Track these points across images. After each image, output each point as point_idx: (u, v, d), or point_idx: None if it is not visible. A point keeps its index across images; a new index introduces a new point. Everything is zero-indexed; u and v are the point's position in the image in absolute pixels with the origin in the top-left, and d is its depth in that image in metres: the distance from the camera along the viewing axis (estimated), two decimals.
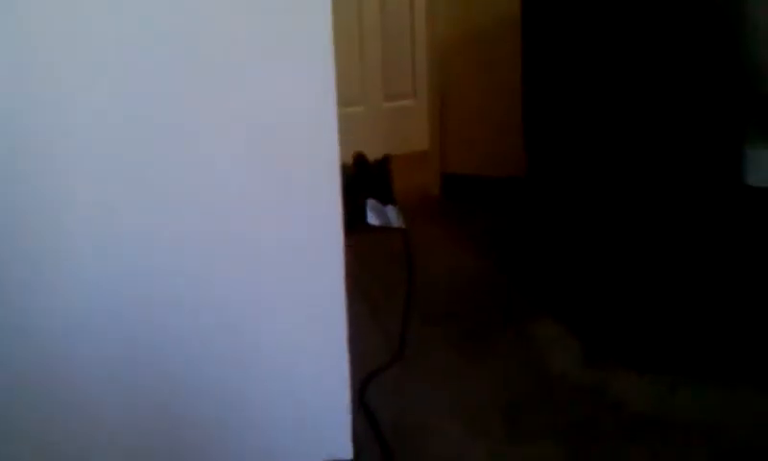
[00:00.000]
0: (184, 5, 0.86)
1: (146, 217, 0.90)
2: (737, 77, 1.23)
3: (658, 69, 1.28)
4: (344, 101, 3.66)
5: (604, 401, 1.28)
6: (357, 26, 3.25)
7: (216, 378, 0.98)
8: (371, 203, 1.25)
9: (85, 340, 0.92)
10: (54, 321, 0.90)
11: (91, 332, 0.92)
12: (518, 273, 1.94)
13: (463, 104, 2.74)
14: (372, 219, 1.24)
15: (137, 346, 0.95)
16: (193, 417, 0.97)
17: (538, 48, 1.96)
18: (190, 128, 0.89)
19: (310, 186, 0.95)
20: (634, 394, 1.29)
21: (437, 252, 2.15)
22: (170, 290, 0.93)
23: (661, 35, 1.27)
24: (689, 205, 1.31)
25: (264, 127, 0.92)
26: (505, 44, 2.41)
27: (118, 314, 0.93)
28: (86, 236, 0.89)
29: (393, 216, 1.26)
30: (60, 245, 0.89)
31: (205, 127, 0.90)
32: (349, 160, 2.95)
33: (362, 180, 2.18)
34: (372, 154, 3.34)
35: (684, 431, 1.18)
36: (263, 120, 0.92)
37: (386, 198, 2.20)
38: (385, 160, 2.51)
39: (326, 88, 0.93)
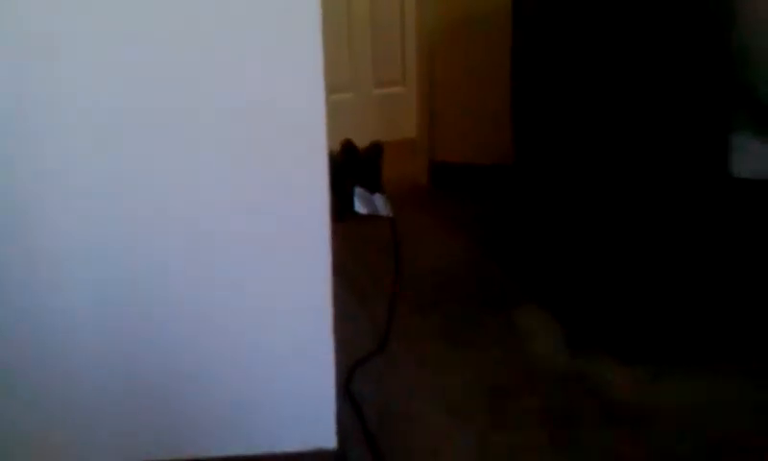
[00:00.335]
0: None
1: (128, 208, 0.90)
2: (723, 66, 1.23)
3: (643, 59, 1.28)
4: (333, 87, 3.67)
5: (587, 389, 1.29)
6: (346, 12, 3.23)
7: (199, 367, 0.98)
8: (358, 191, 1.25)
9: (77, 342, 0.93)
10: (47, 319, 0.91)
11: (82, 332, 0.93)
12: (505, 261, 1.95)
13: (452, 92, 2.74)
14: (360, 207, 1.24)
15: (123, 333, 0.95)
16: (176, 405, 0.98)
17: (526, 37, 1.96)
18: (174, 118, 0.89)
19: (297, 175, 0.95)
20: (617, 382, 1.30)
21: (425, 240, 2.15)
22: (154, 281, 0.93)
23: (648, 23, 1.27)
24: (674, 194, 1.32)
25: (250, 114, 0.92)
26: (495, 33, 2.41)
27: (105, 307, 0.93)
28: (72, 236, 0.90)
29: (380, 204, 1.26)
30: (51, 245, 0.89)
31: (189, 114, 0.89)
32: (338, 147, 2.94)
33: (350, 167, 2.17)
34: (362, 141, 3.33)
35: (666, 419, 1.19)
36: (249, 107, 0.92)
37: (374, 186, 2.20)
38: (375, 148, 2.50)
39: (315, 75, 0.93)
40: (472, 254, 2.02)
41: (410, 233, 2.15)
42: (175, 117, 0.89)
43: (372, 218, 1.62)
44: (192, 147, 0.91)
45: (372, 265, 1.90)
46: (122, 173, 0.90)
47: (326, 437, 1.04)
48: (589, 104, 1.44)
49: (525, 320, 1.57)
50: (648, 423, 1.18)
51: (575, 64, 1.54)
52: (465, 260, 1.98)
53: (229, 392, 1.01)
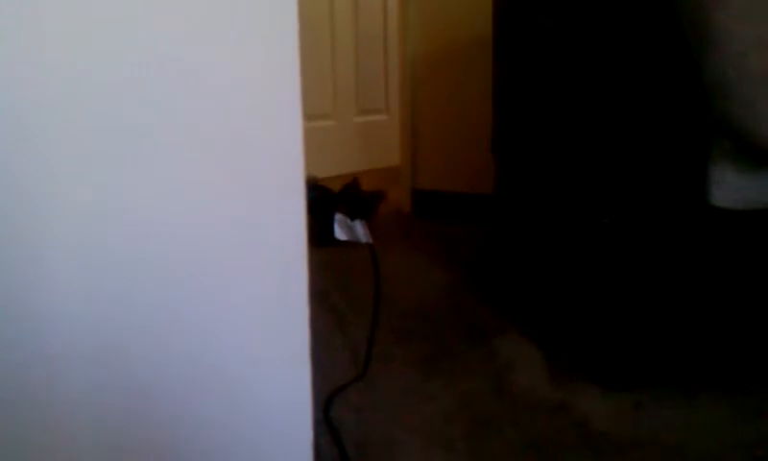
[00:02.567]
0: (139, 12, 0.85)
1: (94, 233, 0.88)
2: (699, 97, 1.25)
3: (620, 90, 1.29)
4: (316, 114, 3.71)
5: (568, 419, 1.28)
6: (330, 39, 3.26)
7: (172, 393, 0.95)
8: (338, 217, 1.24)
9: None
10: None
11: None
12: (487, 289, 1.95)
13: (435, 120, 2.76)
14: (340, 234, 1.23)
15: (98, 363, 0.92)
16: (139, 432, 0.95)
17: (506, 68, 1.98)
18: (145, 142, 0.87)
19: (272, 200, 0.93)
20: (598, 411, 1.29)
21: (407, 268, 2.14)
22: (127, 304, 0.91)
23: (624, 54, 1.29)
24: (654, 223, 1.32)
25: (222, 137, 0.90)
26: (478, 62, 2.43)
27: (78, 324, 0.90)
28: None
29: (360, 231, 1.25)
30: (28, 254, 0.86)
31: (158, 138, 0.88)
32: (320, 174, 2.94)
33: (351, 204, 2.20)
34: (343, 168, 3.34)
35: (648, 450, 1.18)
36: (221, 130, 0.90)
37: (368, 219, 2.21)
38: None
39: (291, 99, 0.92)
40: (454, 283, 2.02)
41: (392, 261, 2.14)
42: (144, 144, 0.88)
43: (355, 245, 1.61)
44: (158, 173, 0.89)
45: (354, 292, 1.89)
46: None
47: None
48: (568, 135, 1.45)
49: (507, 349, 1.57)
50: (629, 455, 1.17)
51: (552, 95, 1.55)
52: (447, 288, 1.98)
53: (200, 422, 0.98)
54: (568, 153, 1.46)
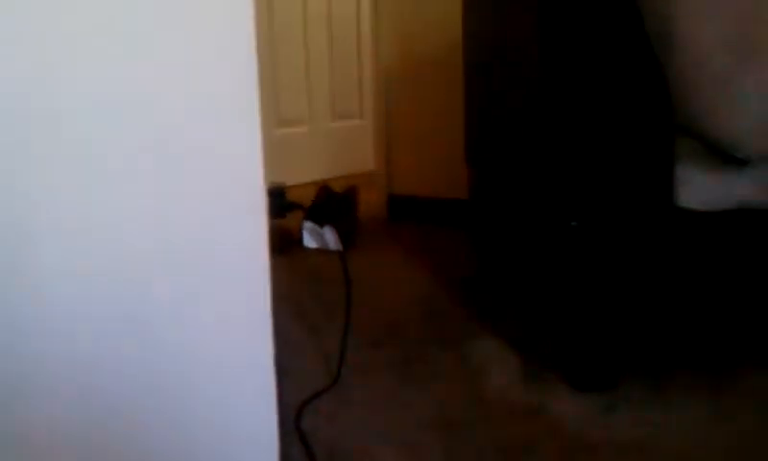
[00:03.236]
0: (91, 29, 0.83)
1: (46, 247, 0.86)
2: (665, 99, 1.25)
3: (585, 94, 1.30)
4: (290, 121, 3.69)
5: (542, 422, 1.28)
6: (303, 45, 3.25)
7: (133, 404, 0.94)
8: (307, 225, 1.23)
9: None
10: None
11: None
12: (461, 294, 1.95)
13: (409, 125, 2.76)
14: (309, 241, 1.22)
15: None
16: (114, 441, 0.93)
17: (475, 73, 1.98)
18: (97, 153, 0.85)
19: (231, 211, 0.92)
20: (571, 413, 1.30)
21: (381, 273, 2.14)
22: (87, 314, 0.89)
23: (589, 58, 1.29)
24: (622, 226, 1.33)
25: (178, 152, 0.89)
26: (450, 68, 2.44)
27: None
28: None
29: (330, 238, 1.24)
30: None
31: (113, 149, 0.86)
32: (296, 180, 2.92)
33: (327, 209, 2.20)
34: (320, 174, 3.33)
35: (622, 453, 1.18)
36: (177, 140, 0.89)
37: (351, 224, 2.20)
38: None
39: (249, 105, 0.91)
40: (429, 288, 2.02)
41: (367, 266, 2.14)
42: (98, 152, 0.86)
43: (327, 251, 1.61)
44: (115, 183, 0.87)
45: (327, 298, 1.88)
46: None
47: None
48: (535, 139, 1.45)
49: (481, 353, 1.56)
50: (601, 456, 1.17)
51: (519, 101, 1.55)
52: (421, 293, 1.97)
53: (156, 431, 0.96)
54: (536, 157, 1.46)
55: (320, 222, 1.85)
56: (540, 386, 1.40)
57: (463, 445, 1.22)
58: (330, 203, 2.27)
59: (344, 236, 1.68)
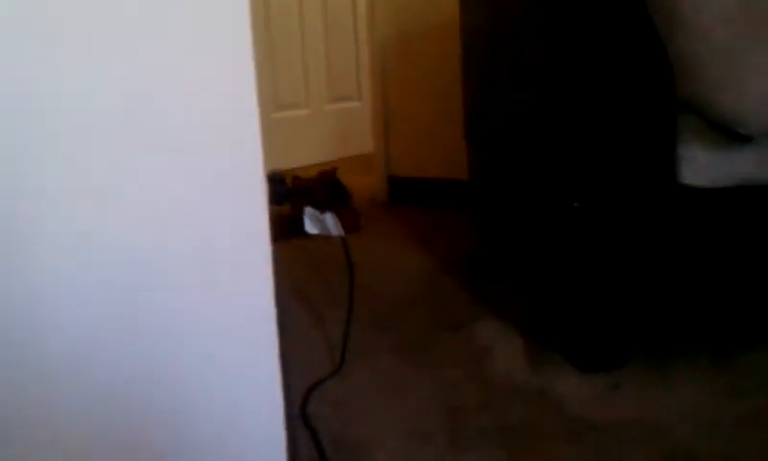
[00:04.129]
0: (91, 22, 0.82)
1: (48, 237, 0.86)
2: (667, 76, 1.24)
3: (586, 73, 1.28)
4: (288, 104, 3.66)
5: (546, 403, 1.28)
6: (299, 29, 3.22)
7: (136, 399, 0.93)
8: (308, 211, 1.22)
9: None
10: None
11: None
12: (464, 275, 1.94)
13: (407, 106, 2.74)
14: (310, 227, 1.21)
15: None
16: (115, 438, 0.93)
17: (473, 52, 1.97)
18: (97, 135, 0.84)
19: (232, 197, 0.91)
20: (575, 394, 1.29)
21: (383, 256, 2.13)
22: (87, 311, 0.89)
23: (590, 36, 1.27)
24: (625, 205, 1.32)
25: (176, 137, 0.87)
26: (448, 46, 2.41)
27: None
28: None
29: (331, 224, 1.24)
30: None
31: (111, 142, 0.85)
32: (295, 163, 2.91)
33: (334, 195, 2.20)
34: (318, 157, 3.32)
35: (625, 432, 1.18)
36: (174, 131, 0.87)
37: (343, 197, 2.19)
38: (331, 171, 2.50)
39: (246, 90, 0.89)
40: (431, 270, 2.01)
41: (368, 250, 2.13)
42: (95, 145, 0.85)
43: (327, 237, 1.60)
44: (115, 163, 0.86)
45: (330, 283, 1.87)
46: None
47: None
48: (536, 119, 1.44)
49: (484, 334, 1.56)
50: (606, 437, 1.17)
51: (519, 81, 1.54)
52: (423, 276, 1.97)
53: (160, 422, 0.95)
54: (537, 137, 1.45)
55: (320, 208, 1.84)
56: (545, 368, 1.40)
57: (468, 428, 1.22)
58: (321, 189, 2.26)
59: (345, 223, 1.66)
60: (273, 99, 3.14)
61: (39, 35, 0.80)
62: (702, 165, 1.24)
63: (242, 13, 0.87)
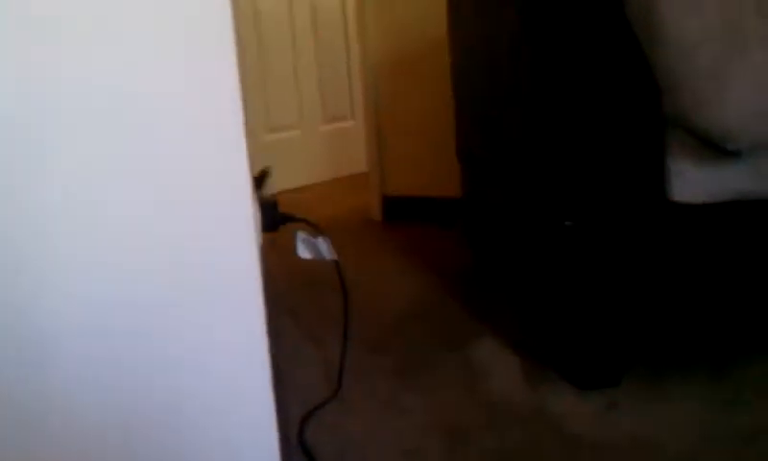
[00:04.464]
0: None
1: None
2: (653, 94, 1.25)
3: (573, 91, 1.29)
4: (281, 126, 3.66)
5: (544, 423, 1.28)
6: (291, 50, 3.23)
7: (125, 424, 0.93)
8: (300, 235, 1.22)
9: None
10: None
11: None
12: (461, 295, 1.94)
13: (400, 124, 2.75)
14: (303, 252, 1.21)
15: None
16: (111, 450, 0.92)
17: (463, 71, 1.98)
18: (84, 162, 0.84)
19: (217, 222, 0.91)
20: (573, 413, 1.29)
21: (379, 277, 2.13)
22: (85, 322, 0.89)
23: (576, 55, 1.29)
24: (617, 223, 1.32)
25: (162, 152, 0.87)
26: (439, 65, 2.43)
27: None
28: None
29: (324, 248, 1.24)
30: None
31: (100, 153, 0.85)
32: (289, 185, 2.89)
33: None
34: (312, 178, 3.32)
35: (624, 450, 1.18)
36: (163, 149, 0.87)
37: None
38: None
39: (232, 108, 0.89)
40: (428, 290, 2.01)
41: (364, 270, 2.13)
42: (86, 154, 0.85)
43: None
44: (103, 188, 0.86)
45: (326, 305, 1.87)
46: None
47: None
48: (525, 138, 1.45)
49: (482, 355, 1.56)
50: (605, 456, 1.17)
51: (506, 99, 1.55)
52: (420, 296, 1.97)
53: (155, 454, 0.95)
54: (527, 157, 1.46)
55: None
56: (542, 386, 1.40)
57: (466, 451, 1.22)
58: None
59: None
60: (265, 121, 3.15)
61: (36, 39, 0.80)
62: (691, 181, 1.25)
63: (226, 35, 0.86)
